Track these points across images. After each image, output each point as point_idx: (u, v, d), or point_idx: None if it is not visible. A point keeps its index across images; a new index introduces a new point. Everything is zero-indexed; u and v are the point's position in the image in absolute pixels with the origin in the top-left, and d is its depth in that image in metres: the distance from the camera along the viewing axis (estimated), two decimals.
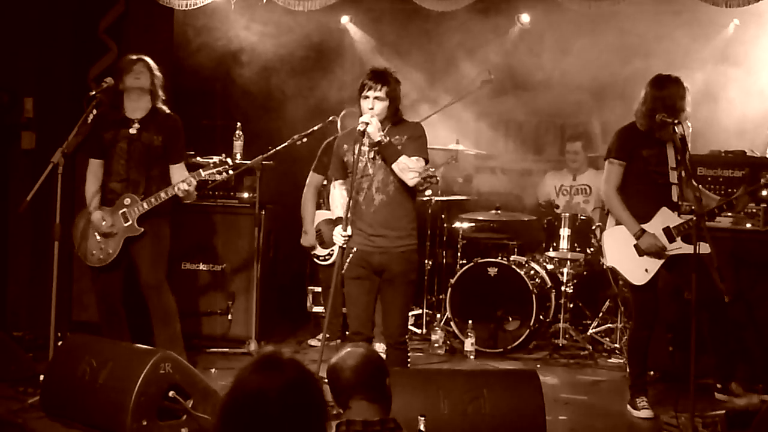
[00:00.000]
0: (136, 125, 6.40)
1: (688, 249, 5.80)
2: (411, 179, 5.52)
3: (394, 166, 5.48)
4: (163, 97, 6.54)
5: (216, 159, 6.73)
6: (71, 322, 7.48)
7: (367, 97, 5.52)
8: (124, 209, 6.33)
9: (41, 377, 5.79)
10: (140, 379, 5.11)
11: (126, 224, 6.34)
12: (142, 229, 6.33)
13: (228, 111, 8.97)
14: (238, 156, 7.67)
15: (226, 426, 2.77)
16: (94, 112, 6.27)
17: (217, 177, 6.45)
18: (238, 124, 7.79)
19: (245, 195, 7.63)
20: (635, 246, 6.04)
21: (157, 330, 6.46)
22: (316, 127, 7.50)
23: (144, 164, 6.38)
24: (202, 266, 7.68)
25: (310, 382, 2.83)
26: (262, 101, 8.78)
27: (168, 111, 6.55)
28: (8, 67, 7.48)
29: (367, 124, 5.44)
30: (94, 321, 6.75)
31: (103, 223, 6.33)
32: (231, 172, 6.48)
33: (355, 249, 5.59)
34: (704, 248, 5.67)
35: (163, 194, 6.31)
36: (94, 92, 6.24)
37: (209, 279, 7.66)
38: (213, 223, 7.69)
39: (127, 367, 5.25)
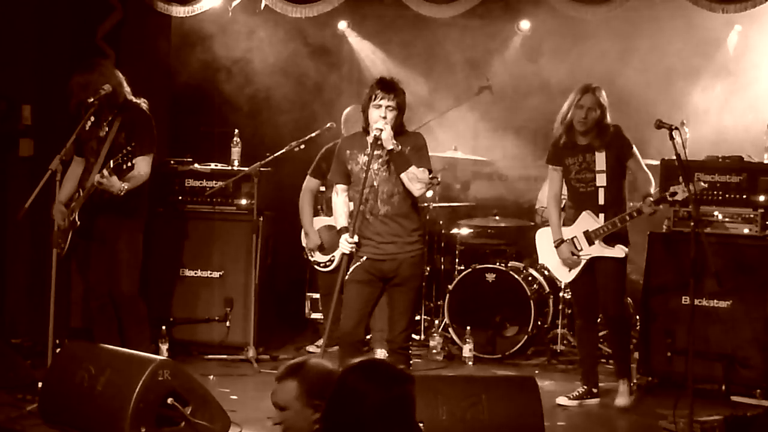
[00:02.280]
0: (106, 125, 6.35)
1: (598, 252, 6.29)
2: (418, 189, 5.57)
3: (403, 175, 5.52)
4: (128, 89, 6.42)
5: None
6: (69, 328, 7.46)
7: (379, 105, 5.52)
8: (73, 203, 6.32)
9: (39, 384, 5.78)
10: (139, 386, 5.10)
11: (69, 217, 6.30)
12: (78, 222, 6.24)
13: (226, 118, 8.96)
14: (236, 163, 7.67)
15: (327, 416, 2.98)
16: (92, 119, 6.27)
17: (126, 164, 6.06)
18: (236, 130, 7.80)
19: (243, 202, 7.63)
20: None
21: (129, 337, 6.43)
22: (314, 134, 7.52)
23: (109, 161, 6.20)
24: (200, 273, 7.67)
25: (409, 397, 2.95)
26: (260, 108, 8.78)
27: (136, 102, 6.43)
28: (6, 74, 7.48)
29: (381, 130, 5.46)
30: (92, 328, 6.74)
31: (57, 214, 6.31)
32: (129, 148, 6.07)
33: (365, 257, 5.62)
34: (617, 252, 6.27)
35: (89, 185, 6.19)
36: (92, 99, 6.23)
37: (207, 285, 7.65)
38: (211, 229, 7.69)
39: (125, 374, 5.24)
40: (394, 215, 5.61)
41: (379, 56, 9.37)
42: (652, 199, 6.15)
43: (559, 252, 6.42)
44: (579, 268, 6.41)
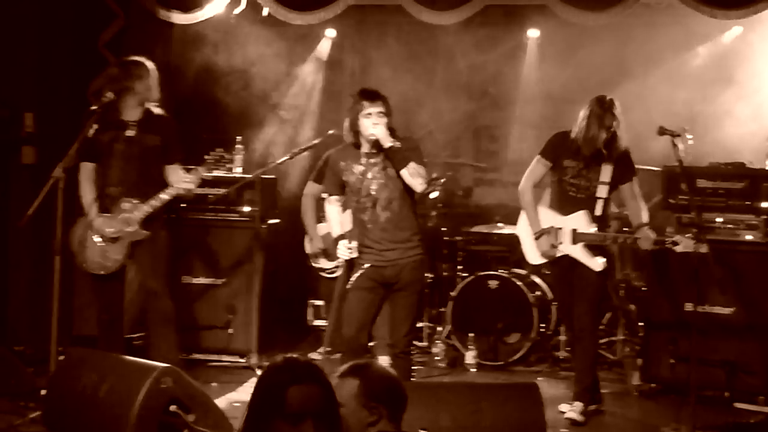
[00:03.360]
0: (135, 127, 6.38)
1: (576, 255, 6.19)
2: (420, 184, 5.60)
3: (404, 171, 5.54)
4: (156, 97, 6.49)
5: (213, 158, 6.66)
6: (72, 336, 7.46)
7: (369, 114, 5.55)
8: (125, 214, 6.29)
9: (42, 392, 5.78)
10: (141, 393, 5.09)
11: (129, 229, 6.30)
12: (148, 233, 6.29)
13: (228, 125, 8.97)
14: (239, 170, 7.68)
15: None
16: (95, 126, 6.28)
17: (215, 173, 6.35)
18: (238, 137, 7.80)
19: (246, 209, 7.63)
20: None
21: (154, 336, 6.45)
22: (316, 141, 7.53)
23: (142, 166, 6.33)
24: (202, 280, 7.66)
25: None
26: (262, 115, 8.79)
27: (161, 112, 6.51)
28: (8, 82, 7.49)
29: (375, 134, 5.50)
30: (95, 335, 6.74)
31: (108, 229, 6.29)
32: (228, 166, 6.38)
33: (367, 265, 5.65)
34: (594, 263, 6.18)
35: (164, 195, 6.27)
36: (95, 107, 6.24)
37: (210, 292, 7.64)
38: (213, 236, 7.68)
39: (128, 382, 5.24)
40: (394, 221, 5.63)
41: (379, 61, 9.36)
42: (653, 237, 6.05)
43: (537, 244, 6.33)
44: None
